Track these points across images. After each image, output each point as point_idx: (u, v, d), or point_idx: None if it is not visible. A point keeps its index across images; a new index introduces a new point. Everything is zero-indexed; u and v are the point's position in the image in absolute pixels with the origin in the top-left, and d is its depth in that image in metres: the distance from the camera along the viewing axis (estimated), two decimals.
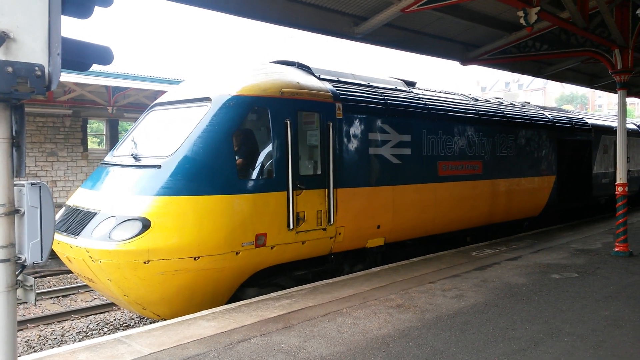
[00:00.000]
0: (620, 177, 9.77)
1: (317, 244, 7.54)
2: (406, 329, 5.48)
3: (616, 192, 9.82)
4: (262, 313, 6.01)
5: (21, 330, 8.32)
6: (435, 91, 10.85)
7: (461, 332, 5.37)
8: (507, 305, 6.32)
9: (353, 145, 8.09)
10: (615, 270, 8.24)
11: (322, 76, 8.25)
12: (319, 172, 7.57)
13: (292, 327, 5.55)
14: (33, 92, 2.27)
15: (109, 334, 7.91)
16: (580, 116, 15.71)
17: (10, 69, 2.22)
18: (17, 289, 2.75)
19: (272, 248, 6.92)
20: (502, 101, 13.10)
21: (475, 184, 10.62)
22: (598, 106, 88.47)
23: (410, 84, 10.30)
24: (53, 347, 7.49)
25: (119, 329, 8.29)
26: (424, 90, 10.49)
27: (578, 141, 14.45)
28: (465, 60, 12.11)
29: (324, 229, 7.55)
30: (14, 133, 2.45)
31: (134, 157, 6.91)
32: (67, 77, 13.96)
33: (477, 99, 11.89)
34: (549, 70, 14.43)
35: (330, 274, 8.08)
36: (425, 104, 9.65)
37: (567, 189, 13.79)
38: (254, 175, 6.98)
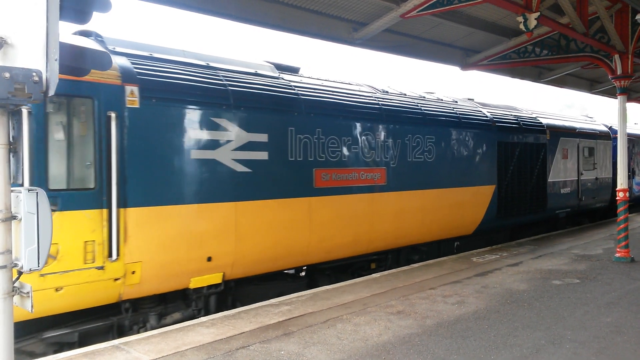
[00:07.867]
0: (621, 183, 9.83)
1: (90, 289, 5.49)
2: (407, 335, 5.44)
3: (617, 198, 9.89)
4: (262, 319, 5.97)
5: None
6: (322, 79, 8.57)
7: (462, 339, 5.33)
8: (508, 312, 6.29)
9: (161, 146, 6.02)
10: (616, 276, 8.21)
11: (117, 49, 6.04)
12: (91, 186, 5.52)
13: (291, 333, 5.51)
14: (30, 98, 2.26)
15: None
16: (534, 115, 13.56)
17: (7, 75, 2.21)
18: (13, 295, 2.73)
19: None
20: (424, 95, 10.55)
21: (374, 198, 8.46)
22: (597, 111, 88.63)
23: (289, 69, 8.21)
24: (50, 355, 7.43)
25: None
26: (304, 77, 8.28)
27: (528, 144, 12.35)
28: (465, 66, 12.15)
29: (101, 268, 5.51)
30: (11, 139, 2.44)
31: None
32: None
33: (387, 92, 9.49)
34: (549, 76, 14.46)
35: (121, 330, 5.98)
36: (295, 94, 7.51)
37: (512, 201, 11.75)
38: None
